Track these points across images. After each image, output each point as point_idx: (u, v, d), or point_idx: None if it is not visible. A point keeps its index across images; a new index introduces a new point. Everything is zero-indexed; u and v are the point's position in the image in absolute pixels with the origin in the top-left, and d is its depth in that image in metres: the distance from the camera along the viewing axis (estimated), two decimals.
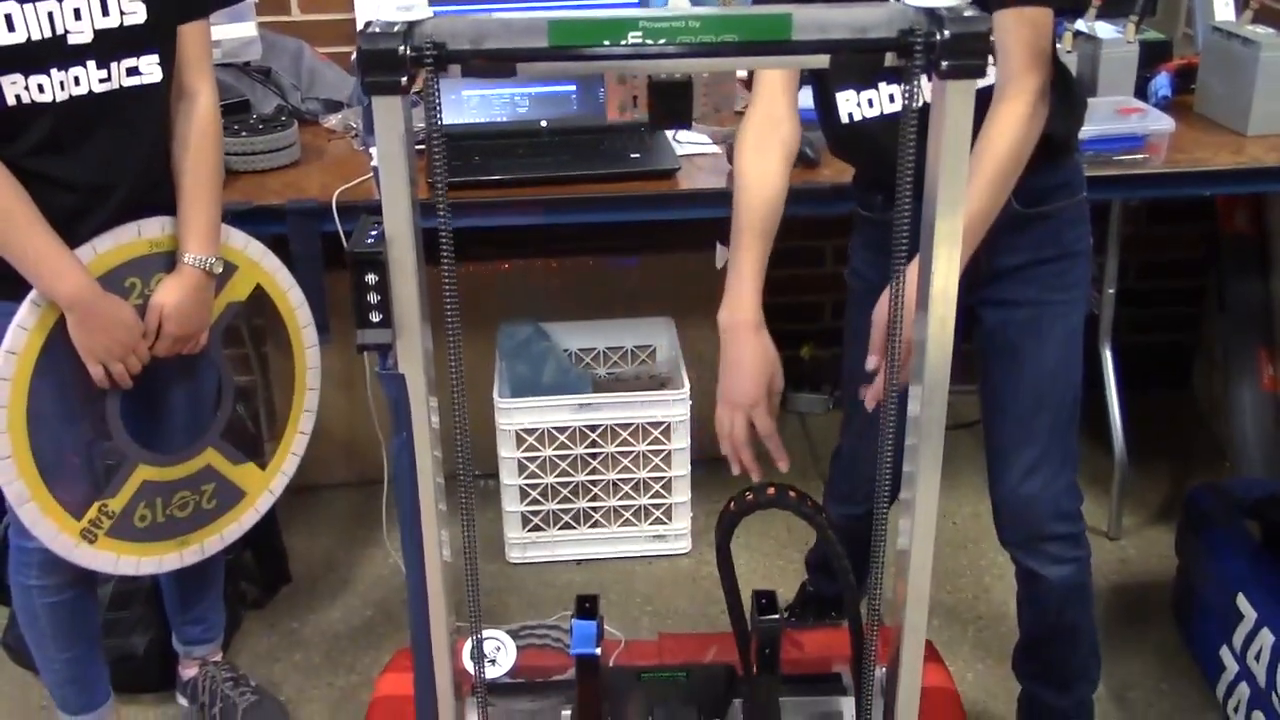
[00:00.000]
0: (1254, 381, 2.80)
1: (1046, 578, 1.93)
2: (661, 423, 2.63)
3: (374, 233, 1.25)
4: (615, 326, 2.94)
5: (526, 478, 2.65)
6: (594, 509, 2.71)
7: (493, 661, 1.99)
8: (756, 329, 1.69)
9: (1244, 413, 2.79)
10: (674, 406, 2.62)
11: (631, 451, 2.65)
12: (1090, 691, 2.09)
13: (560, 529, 2.71)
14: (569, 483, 2.67)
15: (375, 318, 1.25)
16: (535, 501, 2.68)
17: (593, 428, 2.63)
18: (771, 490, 1.43)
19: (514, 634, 2.11)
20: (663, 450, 2.65)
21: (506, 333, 2.79)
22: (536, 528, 2.71)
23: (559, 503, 2.69)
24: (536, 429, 2.61)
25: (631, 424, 2.62)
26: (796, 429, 3.29)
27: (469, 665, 1.99)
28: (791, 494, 1.44)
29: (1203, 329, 3.31)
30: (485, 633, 2.03)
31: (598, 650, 1.38)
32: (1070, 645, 2.05)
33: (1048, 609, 1.98)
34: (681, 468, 2.68)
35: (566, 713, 1.48)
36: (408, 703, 2.00)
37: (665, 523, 2.73)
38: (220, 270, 1.88)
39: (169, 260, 1.84)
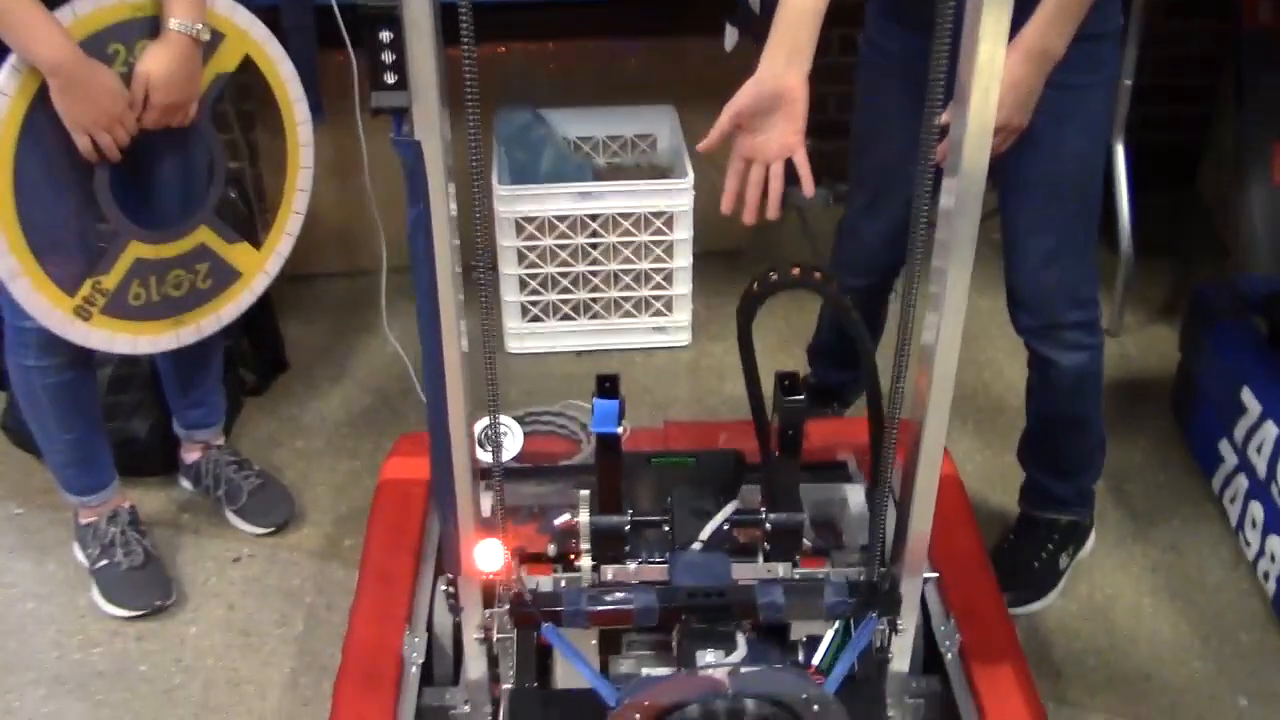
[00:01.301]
0: (1265, 177, 2.75)
1: (1061, 364, 1.92)
2: (664, 213, 2.57)
3: None
4: (615, 114, 2.85)
5: (526, 267, 2.61)
6: (594, 300, 2.67)
7: (500, 446, 1.99)
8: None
9: (1253, 208, 2.74)
10: (677, 196, 2.55)
11: (633, 242, 2.60)
12: (1093, 480, 2.11)
13: (560, 319, 2.68)
14: (569, 273, 2.63)
15: (390, 79, 1.17)
16: (535, 291, 2.64)
17: (593, 217, 2.57)
18: (796, 270, 1.38)
19: (519, 420, 2.11)
20: (665, 241, 2.60)
21: (503, 119, 2.70)
22: (536, 318, 2.68)
23: (559, 293, 2.65)
24: (536, 217, 2.55)
25: (633, 213, 2.57)
26: (796, 224, 3.24)
27: (479, 450, 2.00)
28: (816, 275, 1.39)
29: (1212, 128, 3.24)
30: (490, 420, 2.04)
31: (620, 429, 1.35)
32: (1079, 433, 2.05)
33: (1060, 396, 1.98)
34: (684, 259, 2.63)
35: (585, 493, 1.46)
36: (414, 486, 2.01)
37: (666, 314, 2.70)
38: (208, 37, 1.78)
39: (153, 25, 1.74)
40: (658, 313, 2.70)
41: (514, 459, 2.00)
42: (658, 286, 2.66)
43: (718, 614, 1.29)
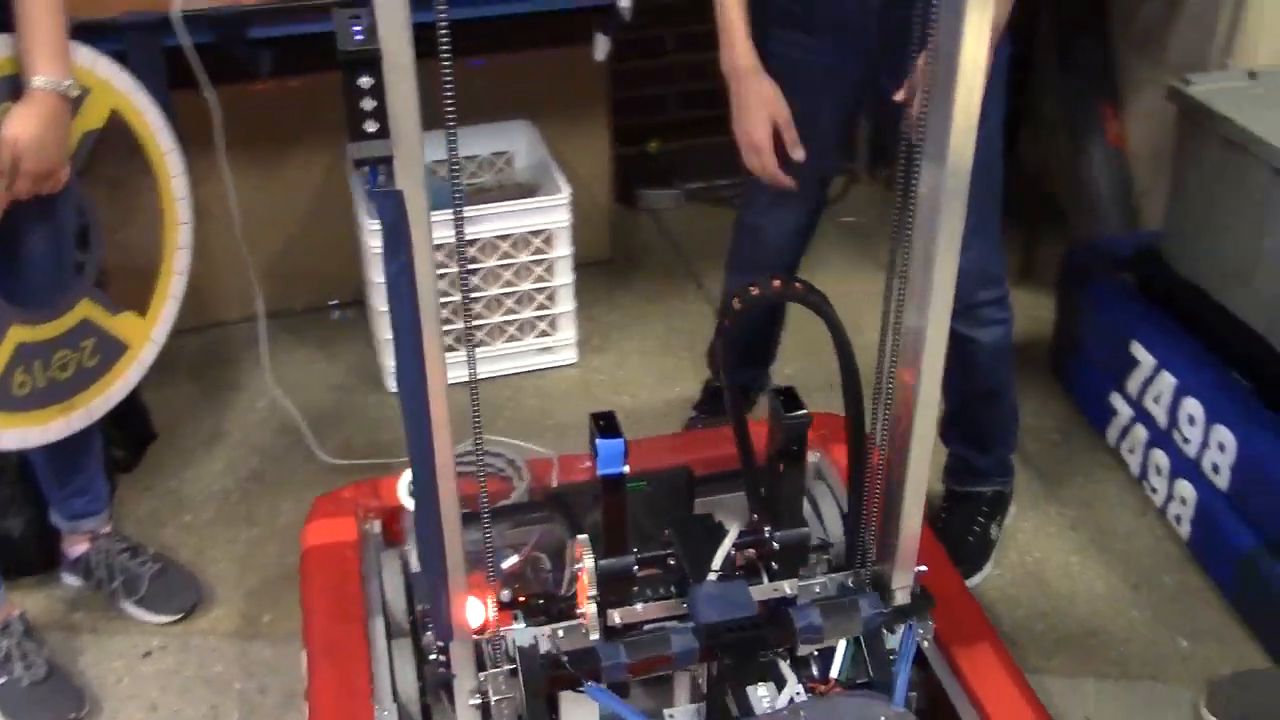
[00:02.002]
0: (1100, 139, 2.88)
1: (980, 341, 1.97)
2: (543, 230, 2.50)
3: (356, 27, 1.07)
4: (468, 134, 2.74)
5: None
6: (475, 330, 2.57)
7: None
8: (755, 72, 1.83)
9: (1094, 170, 2.87)
10: (555, 212, 2.49)
11: (513, 264, 2.52)
12: (1012, 450, 2.17)
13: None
14: (448, 302, 2.53)
15: (370, 127, 1.09)
16: None
17: (470, 242, 2.48)
18: (778, 283, 1.35)
19: None
20: (545, 259, 2.54)
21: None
22: None
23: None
24: None
25: (511, 234, 2.49)
26: (650, 226, 3.22)
27: (403, 495, 1.89)
28: (796, 285, 1.37)
29: (1030, 94, 3.37)
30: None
31: (626, 469, 1.29)
32: (997, 405, 2.10)
33: (978, 372, 2.02)
34: (565, 276, 2.57)
35: (583, 537, 1.39)
36: (342, 550, 1.89)
37: (551, 334, 2.63)
38: (77, 93, 1.63)
39: (14, 85, 1.58)
40: (542, 333, 2.63)
41: None
42: (541, 306, 2.59)
43: (753, 645, 1.26)
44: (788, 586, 1.41)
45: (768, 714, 1.16)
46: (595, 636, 1.38)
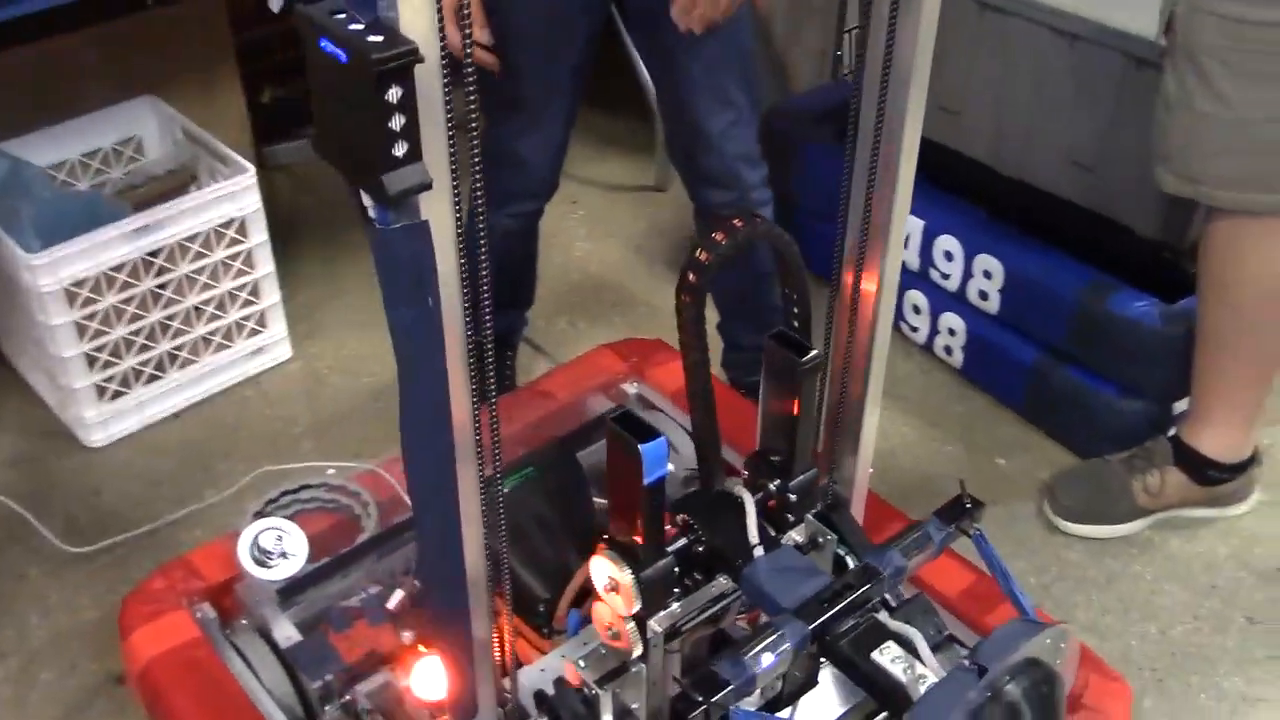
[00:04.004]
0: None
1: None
2: (234, 219, 2.17)
3: (358, 27, 0.82)
4: (82, 125, 2.31)
5: (90, 340, 2.08)
6: (179, 348, 2.21)
7: (284, 555, 1.64)
8: None
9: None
10: (244, 196, 2.16)
11: (207, 264, 2.17)
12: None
13: (145, 384, 2.19)
14: (142, 327, 2.14)
15: (400, 149, 0.85)
16: (108, 365, 2.13)
17: (154, 253, 2.10)
18: (739, 222, 1.23)
19: (259, 515, 1.72)
20: (241, 250, 2.20)
21: None
22: (117, 395, 2.17)
23: (137, 355, 2.16)
24: (89, 277, 2.03)
25: (200, 232, 2.13)
26: (289, 185, 2.90)
27: (249, 564, 1.62)
28: (756, 219, 1.25)
29: None
30: (255, 528, 1.66)
31: (670, 468, 1.14)
32: (772, 286, 2.09)
33: (756, 254, 2.01)
34: (266, 265, 2.26)
35: (608, 551, 1.22)
36: (193, 651, 1.58)
37: (261, 331, 2.31)
38: None
39: None
40: (252, 333, 2.30)
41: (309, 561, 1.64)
42: (245, 304, 2.26)
43: (854, 609, 1.17)
44: (795, 534, 1.33)
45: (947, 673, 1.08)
46: (637, 653, 1.24)
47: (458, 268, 0.94)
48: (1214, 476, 1.92)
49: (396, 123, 0.83)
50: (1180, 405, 2.04)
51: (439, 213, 0.90)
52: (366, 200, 0.89)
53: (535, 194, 1.99)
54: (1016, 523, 2.02)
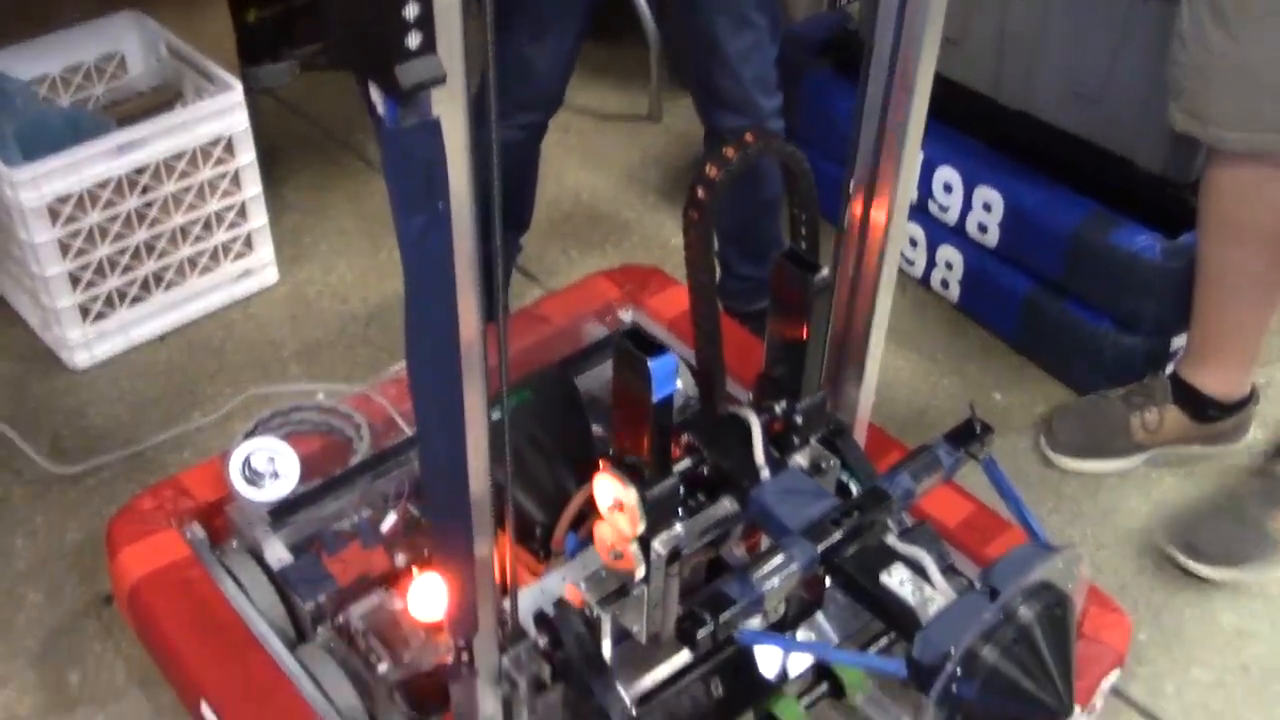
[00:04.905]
0: None
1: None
2: (221, 138, 2.11)
3: None
4: (62, 39, 2.25)
5: (74, 259, 2.04)
6: (164, 269, 2.17)
7: (276, 475, 1.61)
8: None
9: None
10: (231, 115, 2.11)
11: (193, 183, 2.12)
12: None
13: (130, 306, 2.15)
14: (127, 247, 2.10)
15: (414, 40, 0.81)
16: (91, 285, 2.08)
17: (139, 171, 2.05)
18: (751, 137, 1.20)
19: (249, 435, 1.70)
20: (228, 171, 2.15)
21: None
22: (100, 316, 2.13)
23: (121, 276, 2.11)
24: (71, 194, 1.98)
25: (185, 151, 2.08)
26: (275, 109, 2.84)
27: (239, 484, 1.60)
28: (770, 137, 1.22)
29: None
30: (246, 448, 1.63)
31: (679, 384, 1.12)
32: (776, 216, 2.07)
33: (766, 184, 1.98)
34: (253, 186, 2.21)
35: (611, 473, 1.20)
36: (184, 570, 1.56)
37: (248, 253, 2.27)
38: None
39: None
40: (239, 255, 2.26)
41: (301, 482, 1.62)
42: (232, 226, 2.22)
43: (862, 532, 1.15)
44: (800, 457, 1.32)
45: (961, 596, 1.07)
46: (639, 575, 1.23)
47: (470, 172, 0.90)
48: (1212, 414, 1.92)
49: (410, 11, 0.79)
50: (1178, 341, 2.02)
51: (451, 112, 0.87)
52: (376, 97, 0.85)
53: (541, 105, 1.94)
54: (1013, 457, 2.01)
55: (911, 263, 2.33)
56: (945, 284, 2.28)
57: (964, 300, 2.26)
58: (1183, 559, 1.81)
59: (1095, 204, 2.05)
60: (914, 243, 2.30)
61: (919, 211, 2.26)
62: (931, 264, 2.29)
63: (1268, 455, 1.85)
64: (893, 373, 2.16)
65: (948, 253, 2.24)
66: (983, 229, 2.16)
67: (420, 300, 0.96)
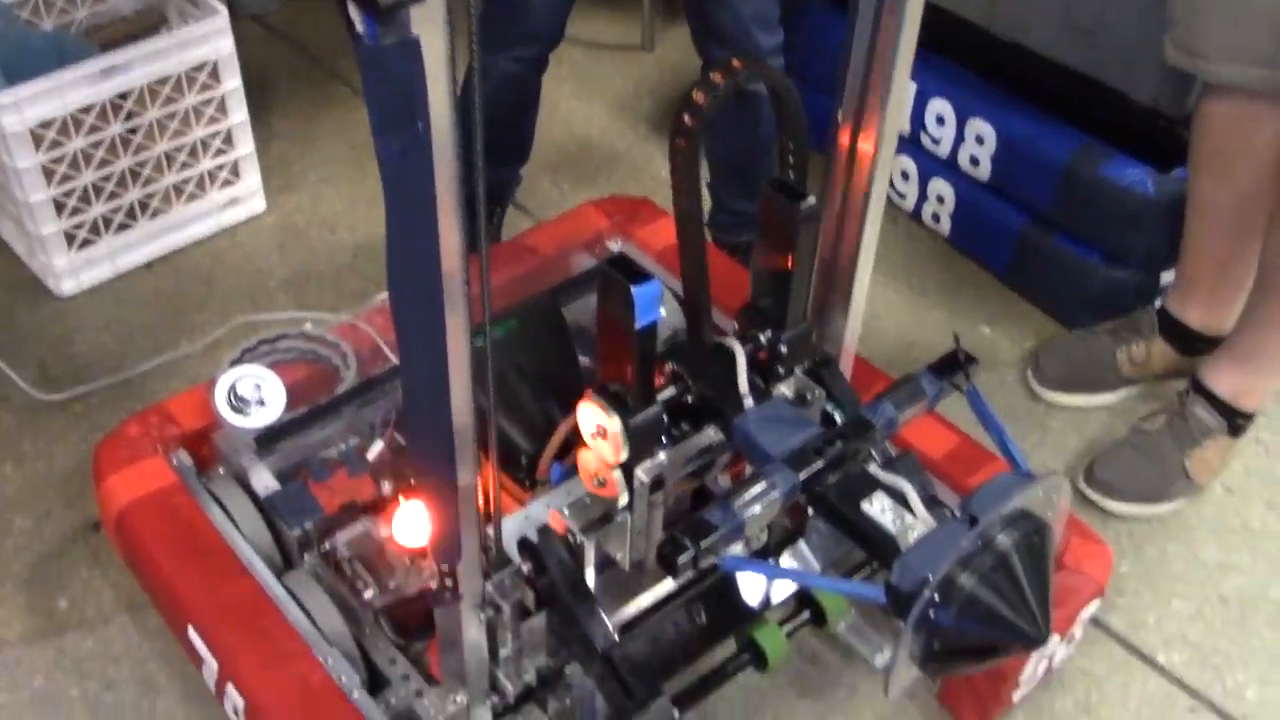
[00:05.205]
0: None
1: (759, 91, 1.89)
2: (206, 63, 2.09)
3: None
4: None
5: (58, 185, 2.02)
6: (149, 197, 2.15)
7: (261, 403, 1.61)
8: None
9: None
10: (217, 40, 2.08)
11: (178, 109, 2.10)
12: None
13: (116, 233, 2.14)
14: (111, 173, 2.08)
15: None
16: (76, 211, 2.07)
17: (124, 96, 2.02)
18: (738, 63, 1.18)
19: (235, 363, 1.69)
20: (214, 97, 2.13)
21: None
22: (87, 243, 2.11)
23: (106, 203, 2.10)
24: (54, 119, 1.96)
25: (170, 76, 2.06)
26: (260, 35, 2.80)
27: (225, 411, 1.60)
28: (758, 63, 1.21)
29: None
30: (231, 375, 1.63)
31: (663, 312, 1.12)
32: (769, 152, 2.04)
33: (761, 123, 1.96)
34: (239, 112, 2.18)
35: (596, 399, 1.20)
36: (170, 496, 1.57)
37: (235, 182, 2.25)
38: None
39: None
40: (225, 183, 2.24)
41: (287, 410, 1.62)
42: (218, 153, 2.20)
43: (844, 460, 1.16)
44: (784, 387, 1.32)
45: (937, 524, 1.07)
46: (623, 502, 1.23)
47: (450, 94, 0.89)
48: (1199, 348, 1.92)
49: None
50: (1168, 275, 2.02)
51: (430, 32, 0.85)
52: (355, 14, 0.84)
53: (539, 38, 1.92)
54: (1000, 390, 2.01)
55: (903, 196, 2.31)
56: (936, 218, 2.27)
57: (955, 234, 2.25)
58: (1097, 497, 1.81)
59: (1088, 137, 2.03)
60: (906, 176, 2.28)
61: (911, 144, 2.25)
62: (923, 197, 2.27)
63: (1180, 395, 1.84)
64: (883, 306, 2.16)
65: (939, 186, 2.23)
66: (974, 162, 2.15)
67: (400, 221, 0.96)
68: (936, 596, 1.01)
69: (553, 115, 2.57)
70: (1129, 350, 1.94)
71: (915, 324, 2.13)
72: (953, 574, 1.03)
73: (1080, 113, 2.07)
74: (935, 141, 2.20)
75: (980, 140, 2.12)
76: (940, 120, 2.17)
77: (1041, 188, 2.07)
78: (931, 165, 2.23)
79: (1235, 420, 1.79)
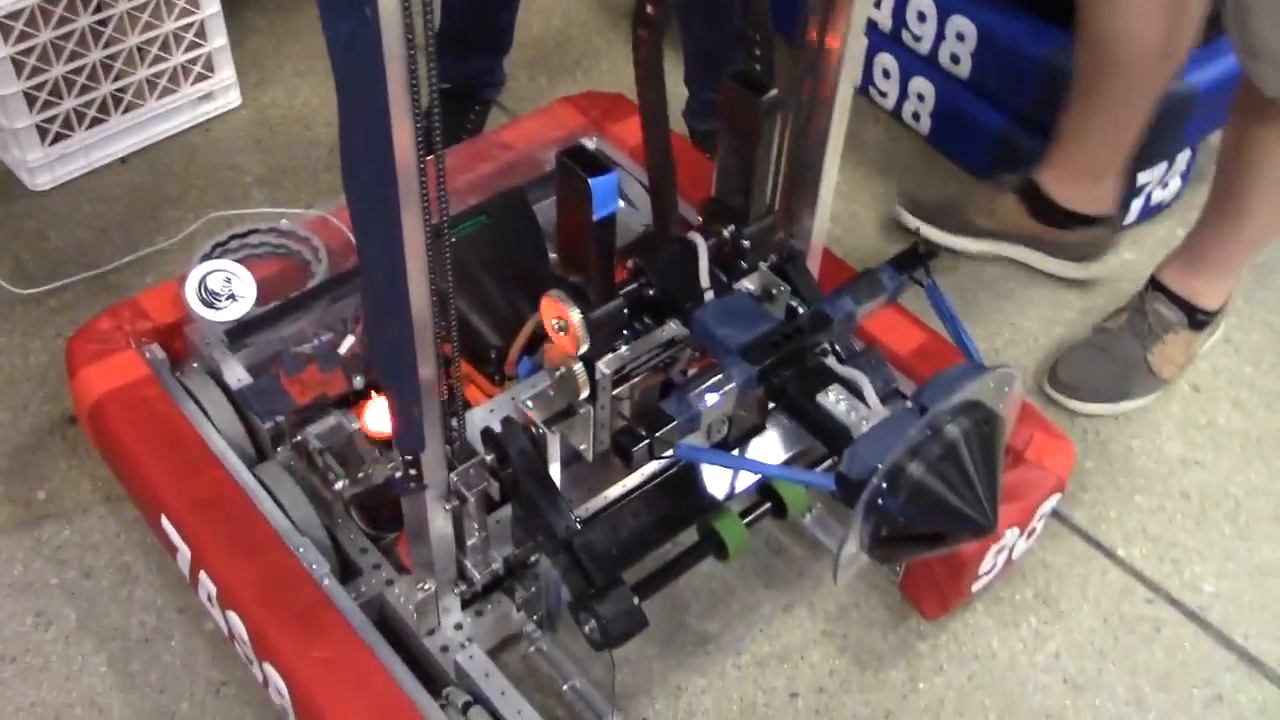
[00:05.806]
0: None
1: None
2: None
3: None
4: None
5: (29, 78, 2.00)
6: (122, 91, 2.13)
7: (233, 297, 1.62)
8: None
9: None
10: None
11: (148, 1, 2.07)
12: None
13: (89, 129, 2.12)
14: (83, 66, 2.05)
15: None
16: (48, 105, 2.05)
17: None
18: None
19: (207, 257, 1.70)
20: None
21: None
22: (60, 137, 2.10)
23: (78, 96, 2.08)
24: (23, 8, 1.93)
25: None
26: None
27: (196, 305, 1.60)
28: None
29: None
30: (202, 270, 1.63)
31: (621, 204, 1.12)
32: (741, 44, 2.02)
33: (730, 13, 1.93)
34: (212, 3, 2.15)
35: (558, 292, 1.20)
36: (142, 389, 1.58)
37: (209, 76, 2.23)
38: None
39: None
40: (199, 78, 2.22)
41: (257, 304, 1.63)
42: (191, 46, 2.17)
43: (804, 354, 1.17)
44: (749, 282, 1.32)
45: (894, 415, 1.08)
46: (584, 395, 1.25)
47: None
48: (1053, 218, 1.93)
49: None
50: (1145, 175, 2.02)
51: None
52: None
53: None
54: (974, 290, 2.02)
55: (884, 95, 2.30)
56: (916, 116, 2.25)
57: (934, 133, 2.24)
58: (1061, 398, 1.83)
59: (1067, 34, 2.01)
60: (887, 74, 2.26)
61: (892, 41, 2.23)
62: (904, 96, 2.26)
63: (1140, 294, 1.84)
64: (861, 205, 2.15)
65: (920, 84, 2.21)
66: (955, 60, 2.13)
67: (351, 106, 0.95)
68: (884, 484, 1.03)
69: (529, 7, 2.53)
70: (991, 199, 1.99)
71: (894, 223, 2.13)
72: (901, 462, 1.04)
73: (1061, 10, 2.04)
74: (916, 39, 2.18)
75: (961, 37, 2.10)
76: (921, 17, 2.15)
77: (1021, 85, 2.06)
78: (912, 63, 2.21)
79: (1195, 315, 1.80)
